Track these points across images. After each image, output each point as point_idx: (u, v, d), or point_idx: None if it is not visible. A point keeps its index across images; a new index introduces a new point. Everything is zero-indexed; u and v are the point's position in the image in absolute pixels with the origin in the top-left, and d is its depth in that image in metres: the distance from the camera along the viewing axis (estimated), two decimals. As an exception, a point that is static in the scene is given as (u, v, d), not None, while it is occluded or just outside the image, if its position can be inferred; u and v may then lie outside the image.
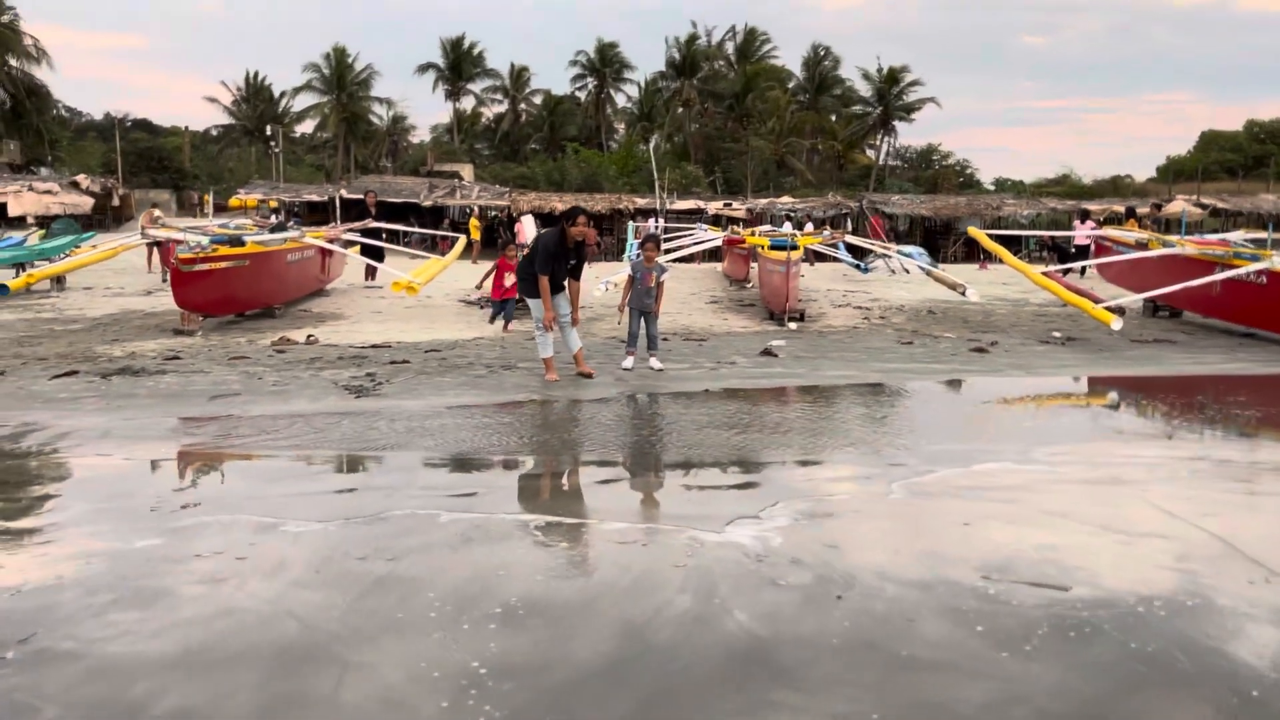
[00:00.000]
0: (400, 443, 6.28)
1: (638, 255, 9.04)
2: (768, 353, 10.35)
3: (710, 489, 5.27)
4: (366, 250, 17.07)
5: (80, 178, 49.50)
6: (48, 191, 45.10)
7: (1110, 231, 15.94)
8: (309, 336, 10.58)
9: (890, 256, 20.39)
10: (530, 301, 8.64)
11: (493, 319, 12.46)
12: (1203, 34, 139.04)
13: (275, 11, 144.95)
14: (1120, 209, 39.55)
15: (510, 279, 11.42)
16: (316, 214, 43.37)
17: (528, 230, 13.54)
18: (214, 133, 79.63)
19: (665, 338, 9.73)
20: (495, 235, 38.86)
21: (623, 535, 4.32)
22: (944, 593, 3.59)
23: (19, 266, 15.71)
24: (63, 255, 15.95)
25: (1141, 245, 14.92)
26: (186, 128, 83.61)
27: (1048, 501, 4.92)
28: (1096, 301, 11.61)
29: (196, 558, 3.98)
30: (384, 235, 17.33)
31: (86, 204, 47.19)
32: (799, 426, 6.85)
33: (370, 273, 17.88)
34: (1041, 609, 3.44)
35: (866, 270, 21.00)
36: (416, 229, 19.26)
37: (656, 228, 32.68)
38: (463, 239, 16.71)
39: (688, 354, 10.23)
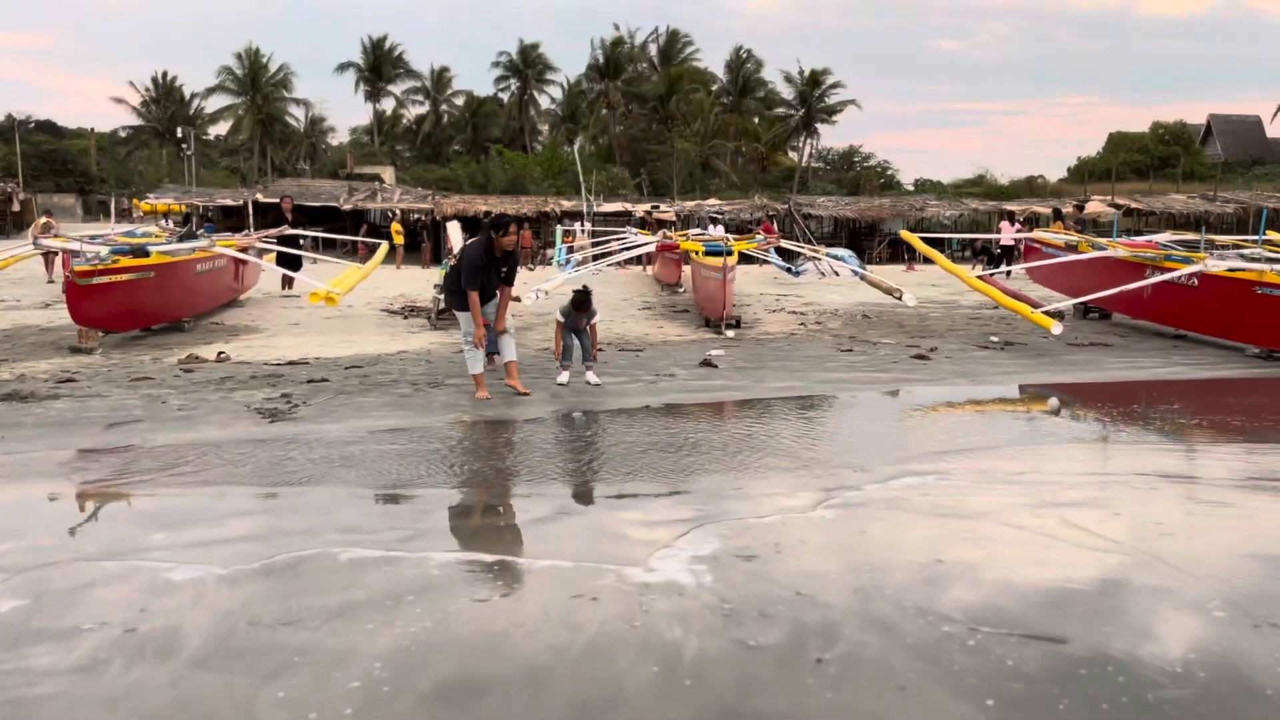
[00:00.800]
0: (318, 475, 5.75)
1: (567, 310, 8.56)
2: (707, 363, 9.99)
3: (654, 522, 4.85)
4: (282, 259, 16.32)
5: (-25, 182, 47.18)
6: (-60, 196, 42.89)
7: (1041, 234, 15.93)
8: (219, 354, 9.91)
9: (819, 259, 20.23)
10: (459, 315, 8.16)
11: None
12: (1107, 38, 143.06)
13: (188, 10, 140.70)
14: (1041, 209, 40.29)
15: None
16: (231, 219, 41.99)
17: (453, 238, 12.97)
18: (122, 135, 76.97)
19: (601, 348, 9.29)
20: (418, 239, 38.00)
21: (569, 581, 3.89)
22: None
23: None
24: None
25: (1071, 248, 14.94)
26: (92, 129, 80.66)
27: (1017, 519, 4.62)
28: (1035, 306, 11.49)
29: (75, 632, 3.43)
30: (301, 242, 16.57)
31: (-16, 209, 45.06)
32: (746, 445, 6.48)
33: (287, 282, 17.10)
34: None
35: (798, 274, 20.84)
36: (335, 235, 18.48)
37: (583, 231, 32.31)
38: (384, 245, 16.05)
39: (624, 366, 9.82)
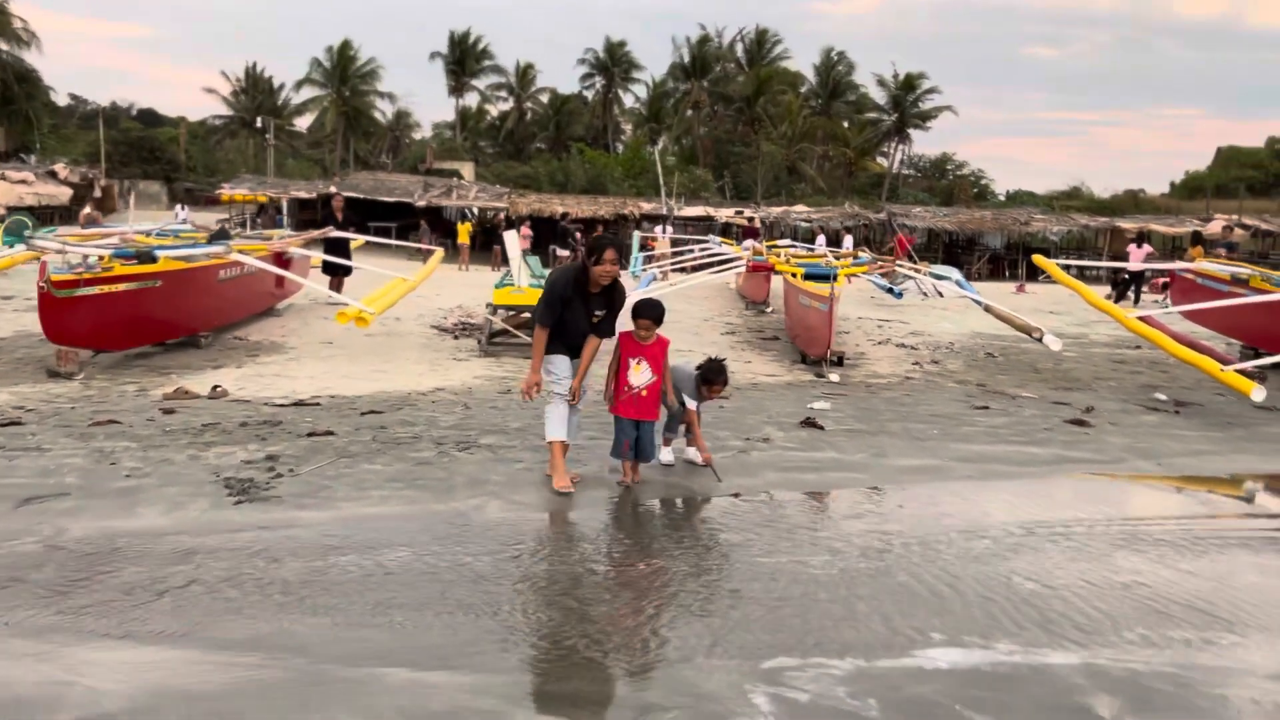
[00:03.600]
0: (262, 630, 3.89)
1: (691, 381, 6.39)
2: (810, 423, 7.95)
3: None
4: (329, 264, 14.69)
5: (58, 167, 47.04)
6: (21, 181, 42.72)
7: (1202, 265, 13.47)
8: (214, 388, 8.17)
9: (921, 278, 17.94)
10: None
11: (616, 452, 6.13)
12: (1213, 48, 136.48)
13: (286, 3, 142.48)
14: (1159, 228, 37.19)
15: (640, 374, 5.99)
16: (307, 211, 41.08)
17: (510, 249, 11.13)
18: (214, 124, 77.53)
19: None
20: (492, 239, 36.50)
21: None
22: None
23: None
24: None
25: (1240, 282, 12.51)
26: (183, 118, 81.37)
27: None
28: (1224, 363, 9.21)
29: None
30: (349, 248, 14.86)
31: (64, 195, 44.84)
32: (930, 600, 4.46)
33: (335, 285, 15.46)
34: None
35: (900, 295, 18.58)
36: (384, 240, 16.78)
37: (664, 235, 30.39)
38: (439, 252, 14.33)
39: (709, 422, 7.82)
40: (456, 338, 12.31)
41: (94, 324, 8.70)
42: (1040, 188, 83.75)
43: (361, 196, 40.30)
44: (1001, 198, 67.13)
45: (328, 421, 7.33)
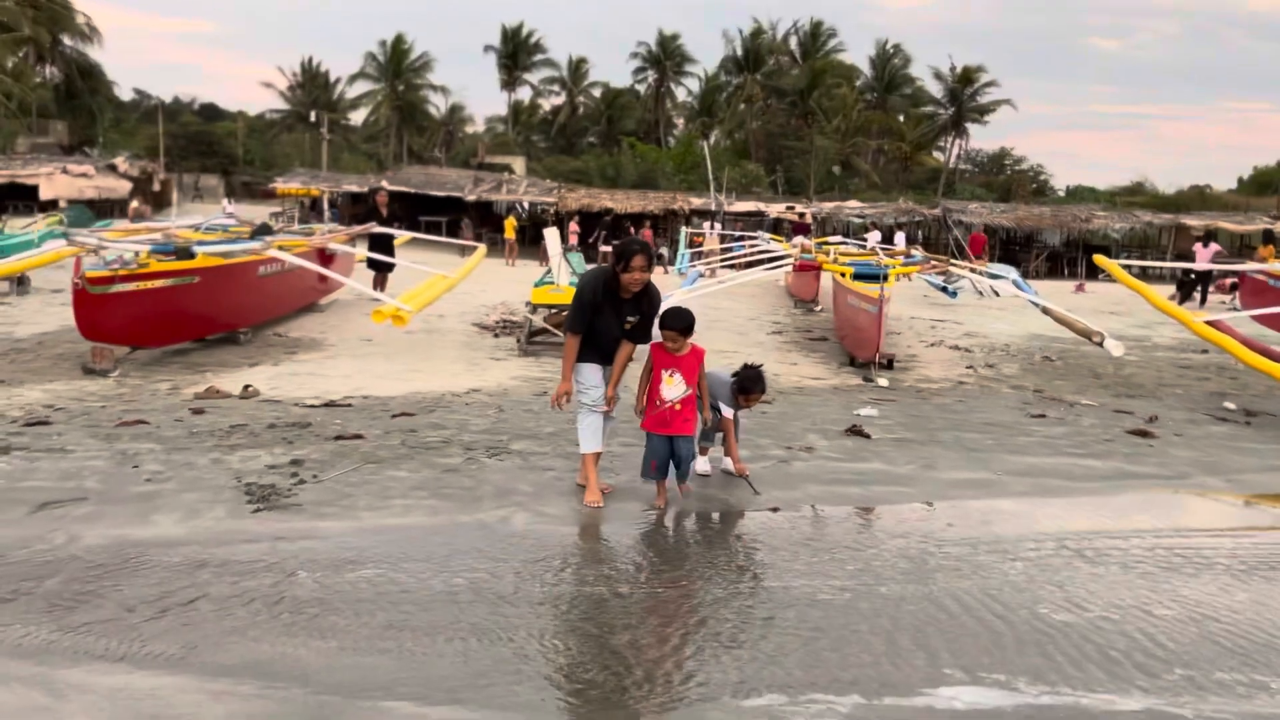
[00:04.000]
0: (264, 654, 3.69)
1: (729, 389, 6.03)
2: (856, 431, 7.62)
3: None
4: (373, 260, 14.59)
5: (118, 160, 47.80)
6: (82, 174, 43.52)
7: (1277, 266, 12.85)
8: (246, 387, 8.05)
9: (976, 278, 17.43)
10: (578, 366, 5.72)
11: (646, 474, 5.73)
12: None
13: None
14: (1227, 225, 36.04)
15: (673, 388, 5.57)
16: (358, 205, 41.32)
17: (550, 248, 10.90)
18: (271, 118, 78.59)
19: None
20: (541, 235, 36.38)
21: None
22: None
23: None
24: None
25: (1316, 283, 11.92)
26: (240, 112, 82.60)
27: None
28: (1298, 369, 8.71)
29: None
30: (392, 244, 14.74)
31: (123, 188, 45.52)
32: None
33: (379, 282, 15.37)
34: None
35: (954, 294, 18.10)
36: (428, 235, 16.55)
37: (713, 232, 30.03)
38: (482, 248, 14.13)
39: (750, 429, 7.52)
40: (497, 336, 12.13)
41: (129, 320, 8.63)
42: (1101, 183, 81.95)
43: (412, 191, 40.47)
44: (1061, 194, 65.66)
45: (358, 424, 7.15)
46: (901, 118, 66.93)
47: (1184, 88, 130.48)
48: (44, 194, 41.07)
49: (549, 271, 10.62)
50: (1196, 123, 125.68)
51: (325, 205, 40.94)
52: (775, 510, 5.71)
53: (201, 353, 10.01)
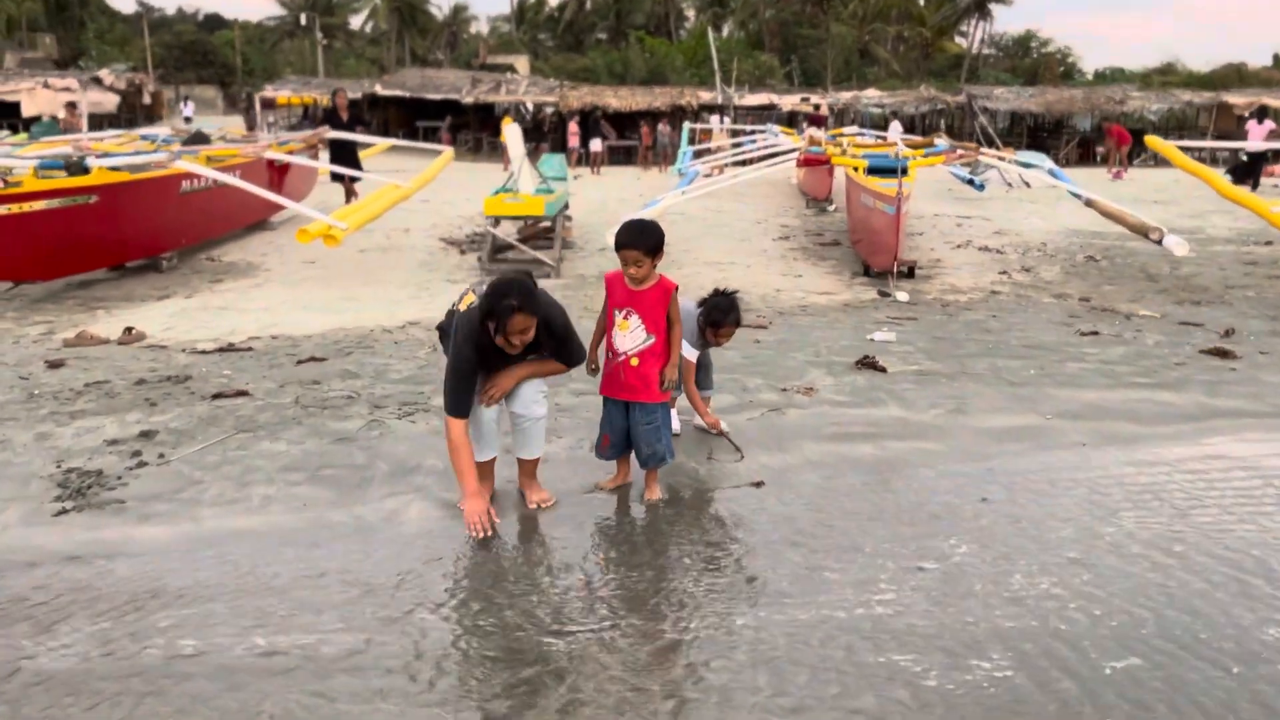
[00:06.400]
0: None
1: (698, 320, 4.65)
2: (869, 363, 6.18)
3: None
4: (339, 164, 13.01)
5: (103, 73, 45.84)
6: (65, 89, 41.67)
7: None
8: (128, 330, 6.67)
9: (1005, 167, 15.70)
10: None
11: (599, 453, 4.31)
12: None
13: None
14: (1272, 102, 33.64)
15: (628, 335, 4.07)
16: (353, 111, 39.44)
17: (512, 148, 9.39)
18: (269, 25, 76.18)
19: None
20: (543, 136, 34.54)
21: None
22: None
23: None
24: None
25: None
26: (237, 20, 79.80)
27: None
28: None
29: None
30: (355, 152, 13.12)
31: (110, 102, 43.70)
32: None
33: (348, 195, 13.84)
34: None
35: (981, 187, 16.39)
36: (385, 138, 14.55)
37: (721, 128, 28.12)
38: (448, 152, 12.54)
39: (737, 365, 6.12)
40: (463, 252, 10.68)
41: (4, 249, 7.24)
42: (1132, 64, 78.29)
43: (408, 95, 38.60)
44: (1089, 77, 62.60)
45: (250, 375, 5.79)
46: (922, 1, 63.59)
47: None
48: (26, 110, 39.29)
49: (511, 177, 9.13)
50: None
51: (302, 113, 38.94)
52: (759, 485, 4.34)
53: (108, 284, 8.65)
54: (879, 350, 6.52)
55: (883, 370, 6.08)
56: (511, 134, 9.64)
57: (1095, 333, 7.18)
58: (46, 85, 41.19)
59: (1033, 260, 10.71)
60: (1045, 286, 9.17)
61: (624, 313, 4.04)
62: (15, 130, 32.52)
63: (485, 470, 4.11)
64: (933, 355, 6.48)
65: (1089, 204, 10.19)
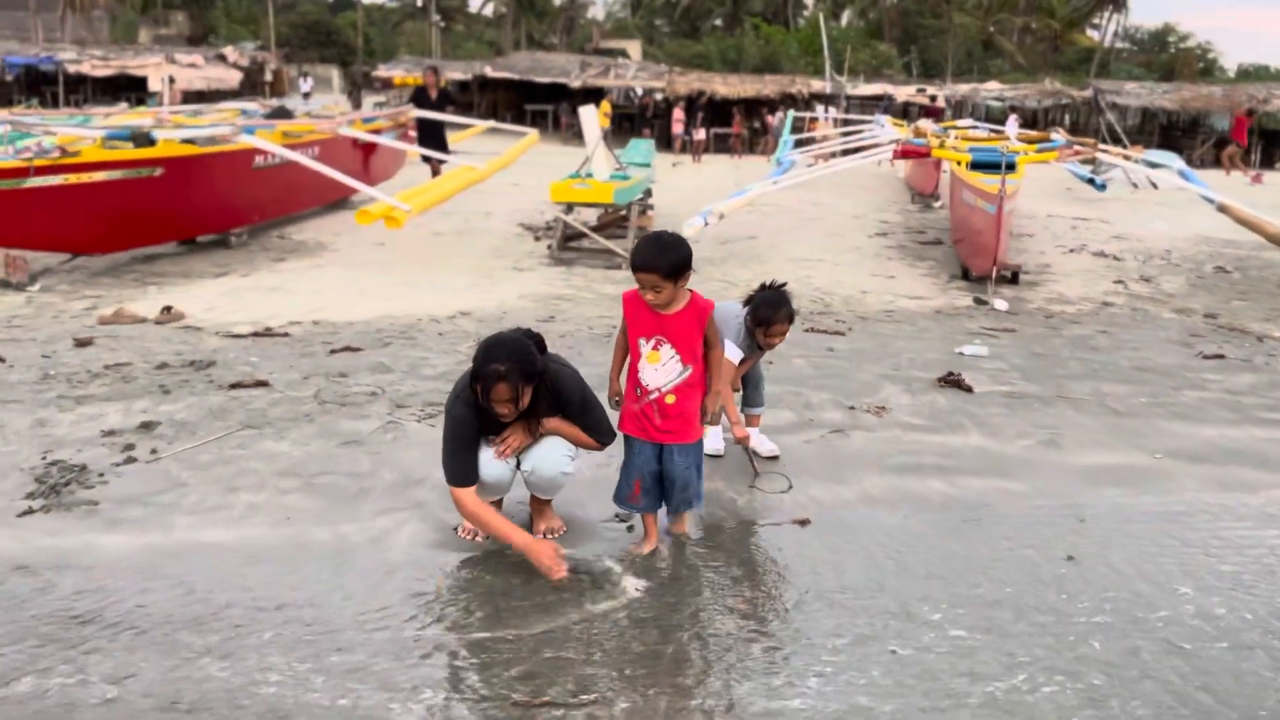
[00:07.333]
0: None
1: (743, 320, 4.10)
2: (953, 382, 5.50)
3: None
4: (425, 144, 12.75)
5: (227, 50, 47.09)
6: (190, 65, 42.97)
7: None
8: (165, 310, 6.41)
9: (1130, 166, 14.53)
10: None
11: (623, 500, 3.58)
12: None
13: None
14: None
15: (659, 368, 3.36)
16: (466, 94, 39.65)
17: (587, 130, 8.90)
18: (390, 6, 77.91)
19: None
20: (647, 123, 34.10)
21: None
22: None
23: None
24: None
25: None
26: (361, 2, 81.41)
27: None
28: None
29: None
30: (443, 133, 12.83)
31: (233, 79, 44.87)
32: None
33: (435, 171, 13.58)
34: None
35: (1103, 187, 15.26)
36: (468, 119, 14.13)
37: (826, 118, 27.18)
38: (533, 134, 12.14)
39: (807, 376, 5.52)
40: (538, 238, 10.26)
41: (51, 221, 7.08)
42: (1278, 61, 73.86)
43: (517, 78, 38.67)
44: (1231, 75, 59.10)
45: (276, 364, 5.45)
46: (1052, -9, 60.95)
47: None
48: (152, 85, 40.63)
49: (587, 161, 8.64)
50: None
51: (412, 93, 39.30)
52: (804, 523, 3.76)
53: (172, 259, 8.49)
54: (968, 366, 5.83)
55: (968, 389, 5.40)
56: (586, 116, 9.14)
57: (1220, 356, 6.34)
58: (173, 60, 42.49)
59: (1154, 269, 9.76)
60: (1166, 300, 8.27)
61: (651, 342, 3.34)
62: (139, 104, 33.63)
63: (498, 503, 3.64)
64: (1028, 374, 5.76)
65: (1221, 209, 9.21)
